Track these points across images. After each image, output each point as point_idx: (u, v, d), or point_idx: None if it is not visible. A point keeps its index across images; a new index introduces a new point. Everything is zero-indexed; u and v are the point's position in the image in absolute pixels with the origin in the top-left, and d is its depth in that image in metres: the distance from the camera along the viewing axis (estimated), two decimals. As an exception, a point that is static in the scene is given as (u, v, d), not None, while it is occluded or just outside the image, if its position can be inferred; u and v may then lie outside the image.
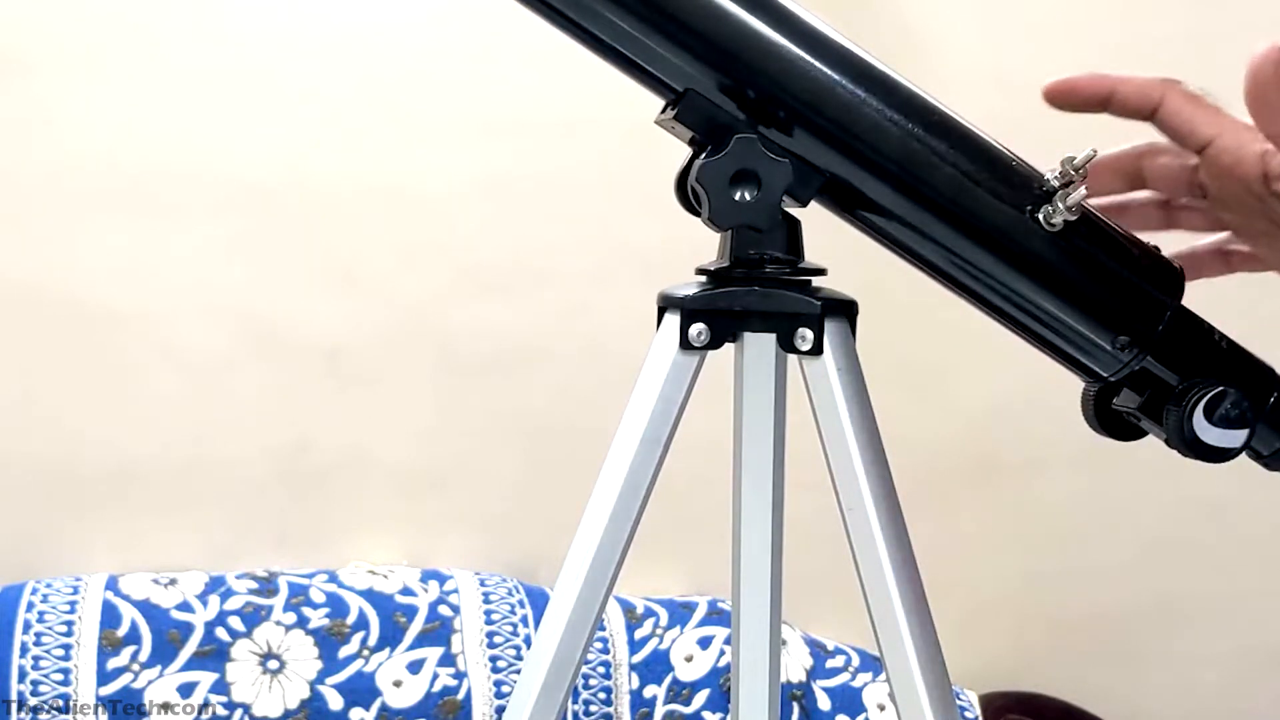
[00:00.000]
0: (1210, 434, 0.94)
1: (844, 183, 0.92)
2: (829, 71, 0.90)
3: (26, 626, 1.70)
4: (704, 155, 0.89)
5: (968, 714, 1.94)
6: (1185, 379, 0.96)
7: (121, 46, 1.82)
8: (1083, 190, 0.91)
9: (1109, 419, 1.04)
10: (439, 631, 1.79)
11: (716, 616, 1.89)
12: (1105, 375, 0.98)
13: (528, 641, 1.80)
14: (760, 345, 0.94)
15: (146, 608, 1.74)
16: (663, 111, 0.93)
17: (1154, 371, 0.97)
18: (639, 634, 1.86)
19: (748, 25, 0.89)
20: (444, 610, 1.81)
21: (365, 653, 1.76)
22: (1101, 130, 0.98)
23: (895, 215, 0.94)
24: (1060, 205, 0.91)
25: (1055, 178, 0.92)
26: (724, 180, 0.88)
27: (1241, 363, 0.99)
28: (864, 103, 0.91)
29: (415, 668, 1.77)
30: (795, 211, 0.92)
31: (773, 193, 0.88)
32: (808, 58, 0.90)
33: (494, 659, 1.79)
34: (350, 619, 1.78)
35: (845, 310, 0.91)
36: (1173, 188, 0.98)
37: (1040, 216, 0.92)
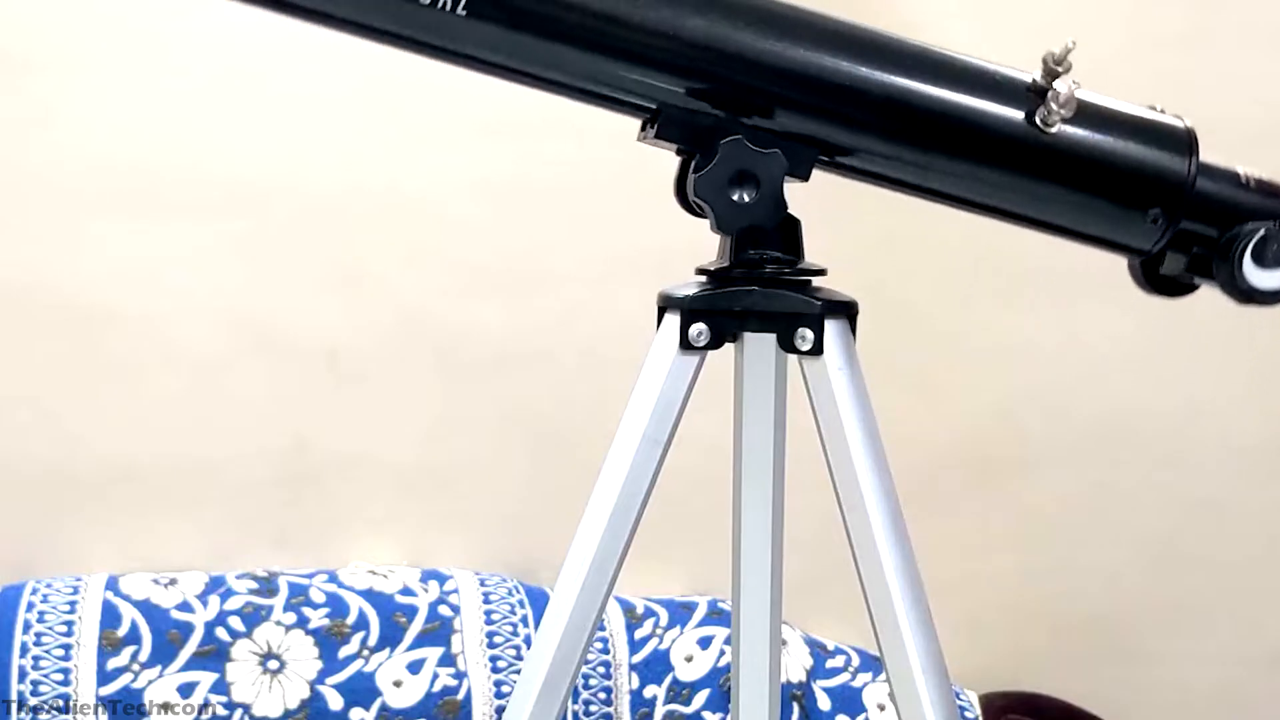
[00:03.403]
0: (1263, 279, 0.92)
1: (840, 147, 0.92)
2: (792, 46, 0.90)
3: (26, 626, 1.69)
4: (696, 168, 0.89)
5: (968, 714, 1.94)
6: (1225, 230, 0.94)
7: (121, 47, 1.81)
8: (1071, 82, 0.90)
9: (1161, 283, 1.01)
10: (439, 631, 1.79)
11: (716, 616, 1.89)
12: (1147, 249, 0.97)
13: (528, 641, 1.80)
14: (760, 345, 0.95)
15: (146, 608, 1.74)
16: (642, 130, 0.93)
17: (1193, 230, 0.96)
18: (639, 634, 1.86)
19: (701, 27, 0.89)
20: (444, 610, 1.81)
21: (365, 653, 1.76)
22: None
23: (900, 161, 0.93)
24: (1054, 106, 0.90)
25: (1041, 77, 0.91)
26: (722, 188, 0.88)
27: (1275, 197, 0.97)
28: (836, 65, 0.90)
29: (415, 668, 1.77)
30: (795, 212, 0.92)
31: (772, 185, 0.88)
32: (767, 39, 0.90)
33: (494, 659, 1.79)
34: (350, 619, 1.78)
35: (845, 310, 0.91)
36: None
37: (1038, 120, 0.91)
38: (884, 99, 0.90)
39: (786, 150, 0.88)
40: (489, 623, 1.81)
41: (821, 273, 0.93)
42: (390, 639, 1.78)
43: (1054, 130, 0.91)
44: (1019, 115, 0.91)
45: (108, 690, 1.68)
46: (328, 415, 1.90)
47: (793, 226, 0.92)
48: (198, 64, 1.83)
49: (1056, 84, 0.91)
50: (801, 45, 0.90)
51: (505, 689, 1.77)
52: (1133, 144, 0.94)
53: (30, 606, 1.72)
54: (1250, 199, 0.96)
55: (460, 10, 0.85)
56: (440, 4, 0.85)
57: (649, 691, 1.84)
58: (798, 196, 0.91)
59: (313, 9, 0.89)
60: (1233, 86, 1.99)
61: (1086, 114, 0.92)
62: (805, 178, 0.91)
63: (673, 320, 0.91)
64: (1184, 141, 0.95)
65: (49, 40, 1.80)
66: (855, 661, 1.92)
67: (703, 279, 0.93)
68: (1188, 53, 1.99)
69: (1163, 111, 0.97)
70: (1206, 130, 1.06)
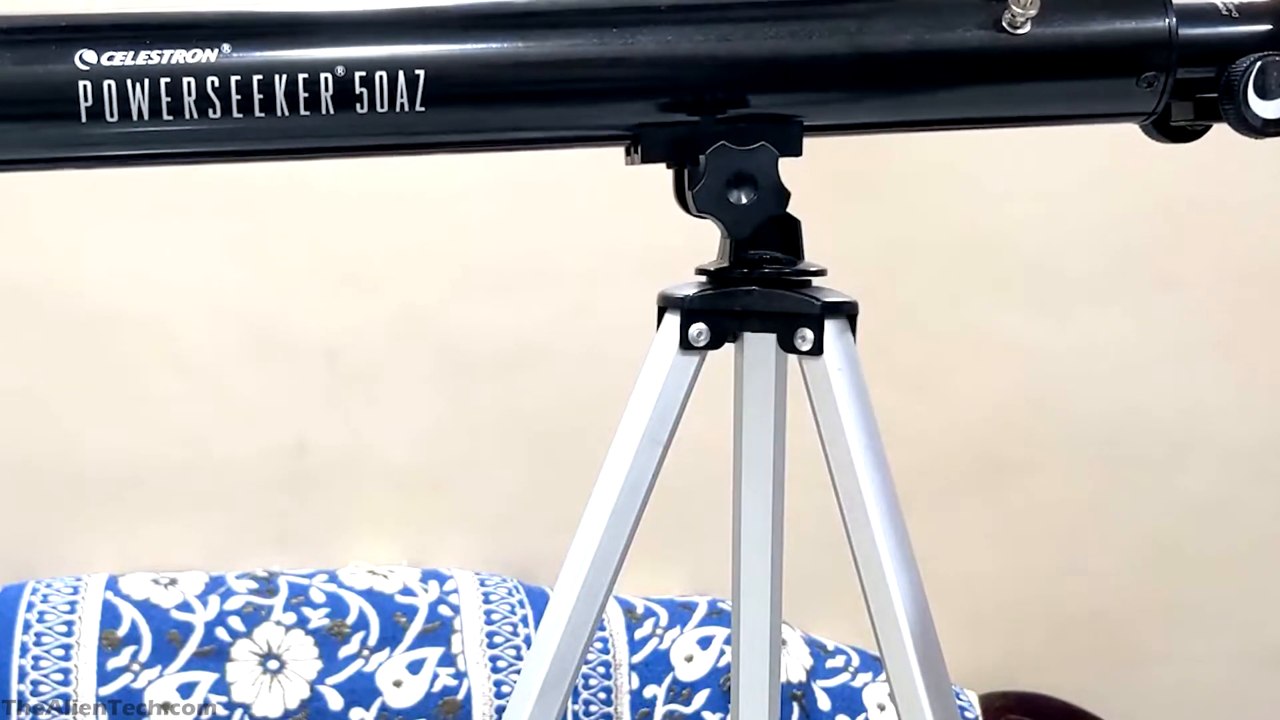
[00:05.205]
0: (1272, 109, 0.91)
1: (822, 113, 0.92)
2: (744, 33, 0.90)
3: (26, 626, 1.69)
4: (690, 184, 0.89)
5: (968, 714, 1.94)
6: (1222, 67, 0.93)
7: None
8: None
9: (1175, 133, 1.00)
10: (439, 631, 1.79)
11: (716, 616, 1.89)
12: (1150, 110, 0.96)
13: (528, 641, 1.80)
14: (760, 345, 0.95)
15: (146, 608, 1.74)
16: (628, 156, 0.93)
17: (1190, 77, 0.95)
18: (639, 634, 1.86)
19: (650, 43, 0.89)
20: (444, 610, 1.81)
21: (365, 653, 1.76)
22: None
23: (885, 107, 0.93)
24: (1017, 8, 0.89)
25: None
26: (721, 197, 0.88)
27: (1260, 19, 0.96)
28: (794, 39, 0.90)
29: (415, 668, 1.77)
30: (795, 212, 0.92)
31: (769, 178, 0.88)
32: (719, 33, 0.89)
33: (494, 659, 1.79)
34: (350, 619, 1.78)
35: (845, 310, 0.91)
36: None
37: (1006, 25, 0.90)
38: (849, 58, 0.90)
39: (772, 135, 0.88)
40: (489, 623, 1.81)
41: (821, 273, 0.93)
42: (390, 639, 1.78)
43: (1024, 31, 0.90)
44: (987, 27, 0.90)
45: (108, 690, 1.68)
46: (328, 415, 1.90)
47: (793, 226, 0.92)
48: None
49: None
50: (753, 29, 0.89)
51: (505, 689, 1.77)
52: (1105, 17, 0.93)
53: (30, 606, 1.72)
54: (1237, 29, 0.94)
55: (419, 107, 0.86)
56: (399, 107, 0.86)
57: (649, 691, 1.84)
58: (798, 197, 0.91)
59: (277, 149, 0.90)
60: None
61: (1051, 2, 0.91)
62: (798, 153, 0.91)
63: (673, 320, 0.91)
64: None
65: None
66: (855, 661, 1.92)
67: (703, 279, 0.93)
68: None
69: None
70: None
